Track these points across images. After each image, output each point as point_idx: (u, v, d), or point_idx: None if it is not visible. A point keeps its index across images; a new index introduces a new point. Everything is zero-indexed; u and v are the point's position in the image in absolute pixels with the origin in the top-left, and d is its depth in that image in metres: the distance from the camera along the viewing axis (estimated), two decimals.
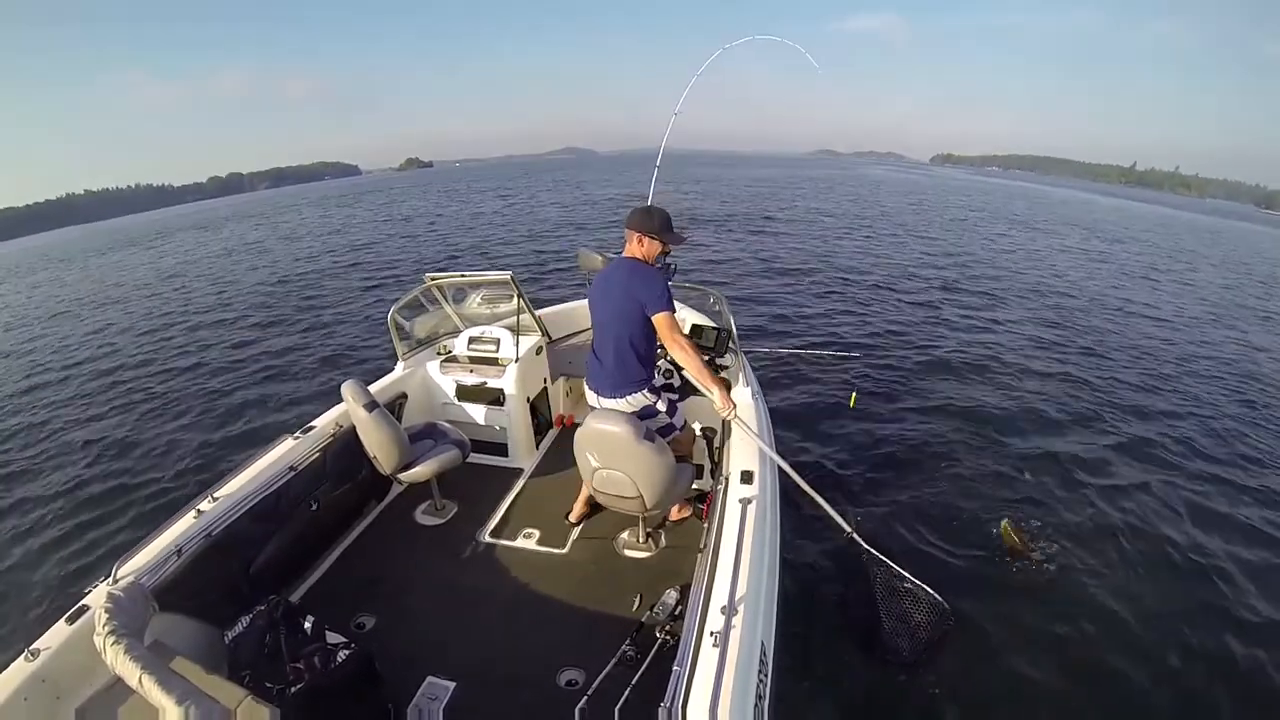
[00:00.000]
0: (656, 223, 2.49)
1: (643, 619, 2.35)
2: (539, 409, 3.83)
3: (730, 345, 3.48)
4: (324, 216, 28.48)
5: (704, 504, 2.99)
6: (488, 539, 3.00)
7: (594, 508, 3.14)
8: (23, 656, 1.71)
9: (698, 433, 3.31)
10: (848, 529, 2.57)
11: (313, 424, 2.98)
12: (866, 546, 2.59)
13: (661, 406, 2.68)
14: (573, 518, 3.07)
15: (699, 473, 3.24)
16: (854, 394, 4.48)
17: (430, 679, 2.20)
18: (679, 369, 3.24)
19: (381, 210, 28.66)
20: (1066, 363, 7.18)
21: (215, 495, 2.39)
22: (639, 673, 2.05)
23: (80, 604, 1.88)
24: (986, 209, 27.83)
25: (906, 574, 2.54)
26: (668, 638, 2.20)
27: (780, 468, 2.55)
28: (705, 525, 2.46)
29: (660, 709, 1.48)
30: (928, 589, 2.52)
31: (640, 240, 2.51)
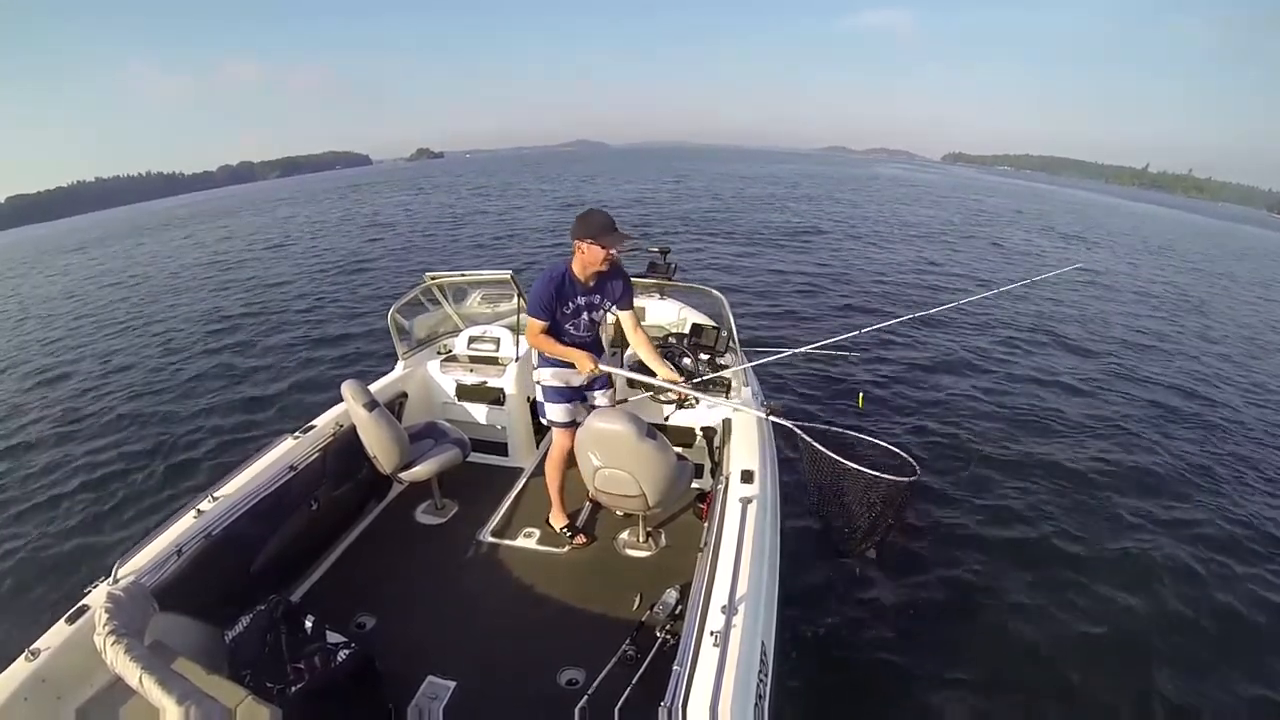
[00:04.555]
0: (581, 228, 2.47)
1: (643, 618, 2.35)
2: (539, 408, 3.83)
3: (730, 345, 3.48)
4: (326, 211, 28.34)
5: (704, 503, 2.99)
6: (488, 538, 3.00)
7: (588, 509, 3.14)
8: (23, 656, 1.71)
9: (698, 433, 3.31)
10: (760, 413, 2.48)
11: (313, 423, 2.97)
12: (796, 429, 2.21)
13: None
14: (557, 524, 3.02)
15: (699, 472, 3.24)
16: (861, 395, 4.45)
17: (430, 678, 2.20)
18: (678, 367, 3.25)
19: (384, 205, 28.40)
20: (1094, 376, 7.00)
21: (215, 495, 2.39)
22: (639, 672, 2.05)
23: (80, 604, 1.88)
24: (1032, 219, 24.91)
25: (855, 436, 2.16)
26: (668, 637, 2.19)
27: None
28: (705, 524, 2.46)
29: (660, 708, 1.48)
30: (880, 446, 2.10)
31: (577, 248, 2.52)
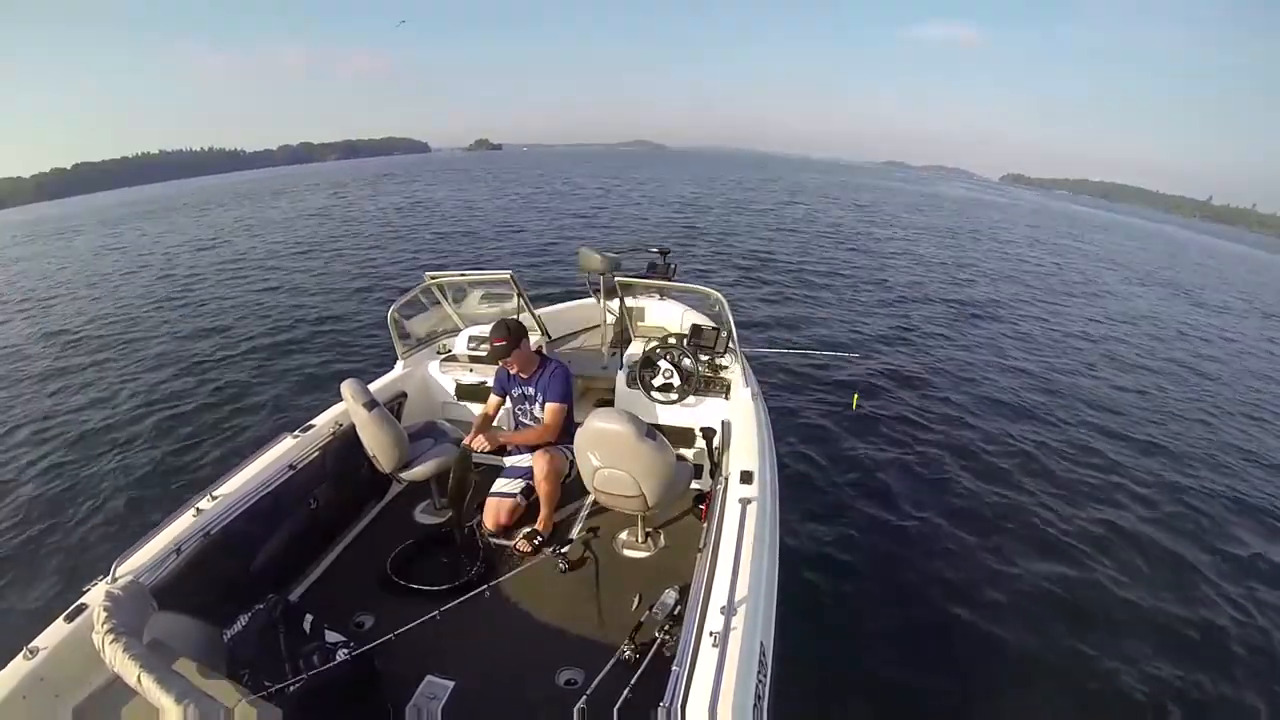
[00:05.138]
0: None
1: (642, 619, 2.35)
2: None
3: (730, 345, 3.48)
4: (350, 200, 27.96)
5: (703, 504, 2.99)
6: (487, 538, 3.00)
7: (587, 509, 3.14)
8: (21, 655, 1.71)
9: (698, 433, 3.31)
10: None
11: (312, 422, 2.97)
12: None
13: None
14: (490, 524, 2.98)
15: (698, 473, 3.24)
16: (856, 395, 4.49)
17: (429, 678, 2.19)
18: (678, 367, 3.27)
19: (429, 196, 27.65)
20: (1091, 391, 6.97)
21: (214, 494, 2.39)
22: (638, 672, 2.04)
23: (79, 602, 1.88)
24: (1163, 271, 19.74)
25: None
26: (667, 637, 2.19)
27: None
28: (705, 525, 2.46)
29: (659, 709, 1.48)
30: None
31: None
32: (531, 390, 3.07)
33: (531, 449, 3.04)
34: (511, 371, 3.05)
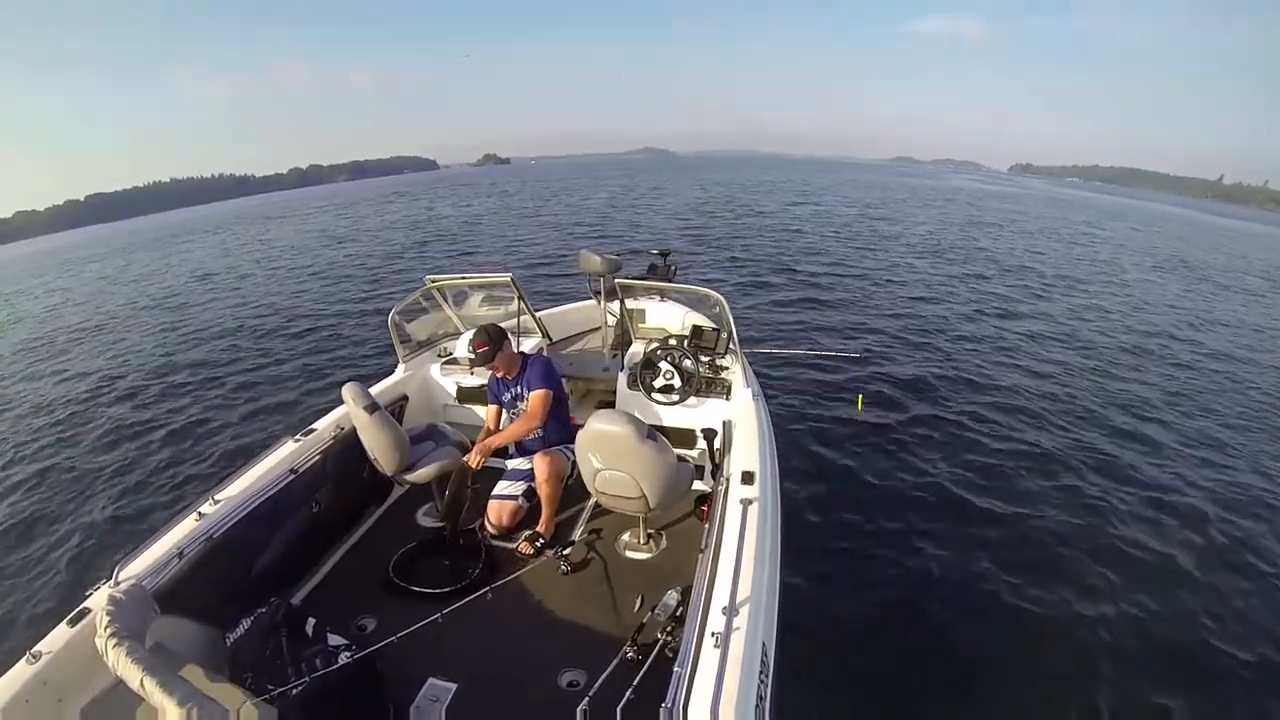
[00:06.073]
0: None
1: (644, 620, 2.35)
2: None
3: (730, 346, 3.48)
4: (344, 217, 28.10)
5: (705, 505, 2.99)
6: (489, 540, 3.00)
7: (589, 510, 3.14)
8: (24, 659, 1.71)
9: (699, 434, 3.32)
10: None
11: (313, 426, 2.98)
12: None
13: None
14: (492, 527, 3.00)
15: (700, 474, 3.24)
16: (860, 397, 4.47)
17: (431, 680, 2.19)
18: (678, 369, 3.27)
19: (436, 213, 27.32)
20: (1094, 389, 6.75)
21: (216, 498, 2.40)
22: (640, 673, 2.04)
23: (82, 606, 1.88)
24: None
25: None
26: (669, 639, 2.19)
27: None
28: (706, 526, 2.46)
29: (662, 710, 1.48)
30: None
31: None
32: (519, 389, 3.10)
33: (531, 451, 3.04)
34: (499, 376, 3.10)
